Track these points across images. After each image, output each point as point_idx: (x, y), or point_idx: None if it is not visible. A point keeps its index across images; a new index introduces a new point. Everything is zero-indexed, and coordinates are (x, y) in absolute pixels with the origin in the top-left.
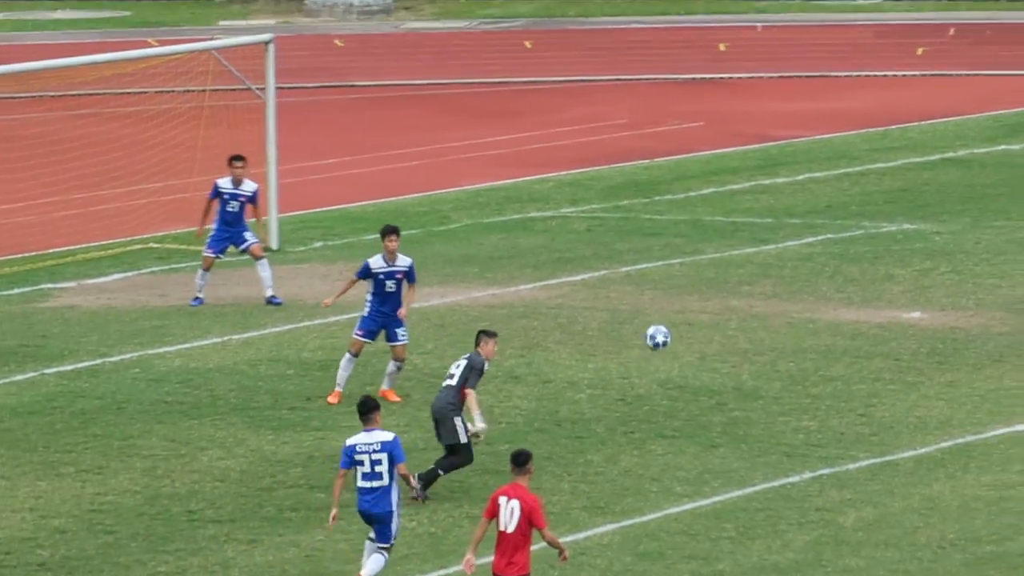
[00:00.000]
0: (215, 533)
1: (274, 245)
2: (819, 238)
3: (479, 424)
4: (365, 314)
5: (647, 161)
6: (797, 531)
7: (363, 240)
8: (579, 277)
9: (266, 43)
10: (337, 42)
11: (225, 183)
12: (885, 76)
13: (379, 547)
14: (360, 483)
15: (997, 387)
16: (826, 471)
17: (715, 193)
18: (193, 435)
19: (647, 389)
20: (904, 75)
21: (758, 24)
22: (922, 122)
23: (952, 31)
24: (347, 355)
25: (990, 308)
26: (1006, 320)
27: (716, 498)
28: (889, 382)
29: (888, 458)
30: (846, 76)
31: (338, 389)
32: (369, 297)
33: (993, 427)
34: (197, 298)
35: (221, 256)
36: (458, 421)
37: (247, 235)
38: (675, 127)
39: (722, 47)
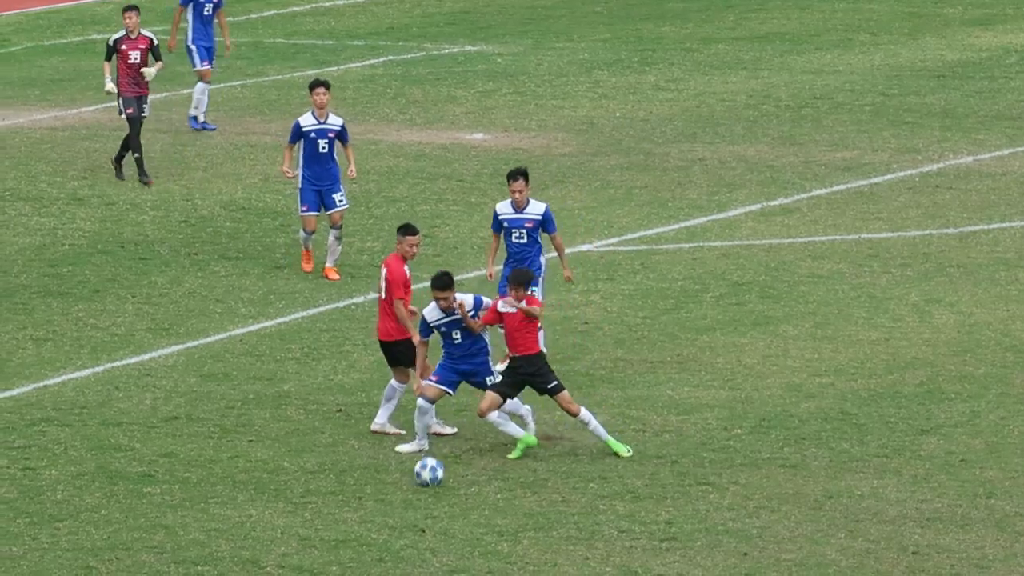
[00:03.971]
0: None
1: None
2: (381, 60)
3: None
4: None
5: None
6: (362, 351)
7: None
8: None
9: None
10: None
11: None
12: None
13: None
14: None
15: (561, 207)
16: None
17: (276, 15)
18: None
19: (210, 211)
20: None
21: None
22: None
23: None
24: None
25: (552, 129)
26: (568, 141)
27: (281, 319)
28: (453, 203)
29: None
30: None
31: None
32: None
33: None
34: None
35: None
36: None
37: None
38: None
39: None
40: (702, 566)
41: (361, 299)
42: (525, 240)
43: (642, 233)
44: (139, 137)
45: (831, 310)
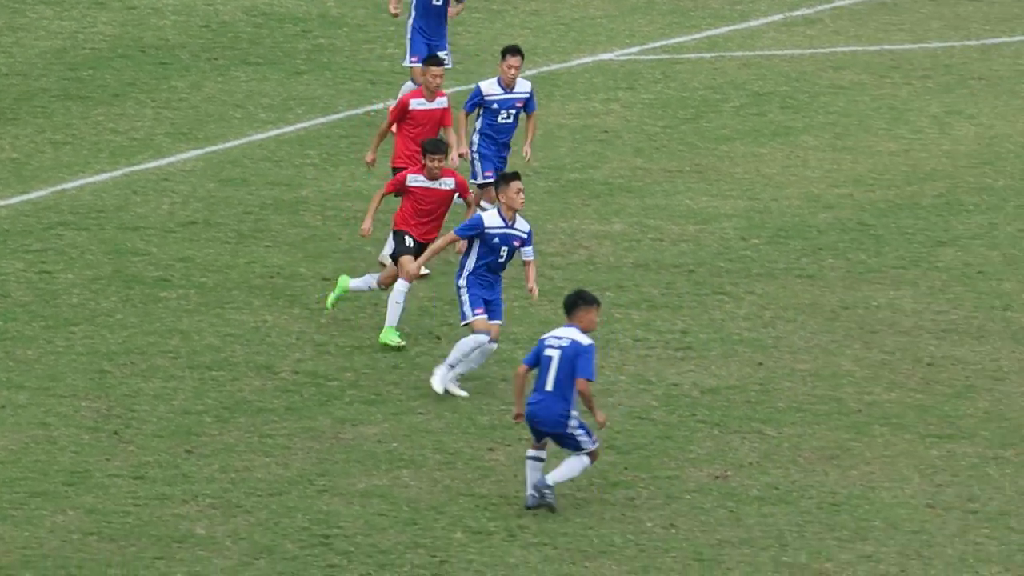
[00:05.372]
0: None
1: None
2: None
3: None
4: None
5: None
6: (381, 157)
7: None
8: None
9: None
10: None
11: None
12: None
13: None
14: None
15: (583, 16)
16: None
17: None
18: None
19: (232, 16)
20: None
21: None
22: None
23: None
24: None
25: None
26: None
27: (300, 125)
28: (474, 10)
29: (472, 86)
30: None
31: None
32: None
33: (578, 56)
34: None
35: None
36: None
37: None
38: None
39: None
40: (717, 375)
41: (380, 105)
42: (512, 120)
43: (663, 42)
44: None
45: (851, 121)
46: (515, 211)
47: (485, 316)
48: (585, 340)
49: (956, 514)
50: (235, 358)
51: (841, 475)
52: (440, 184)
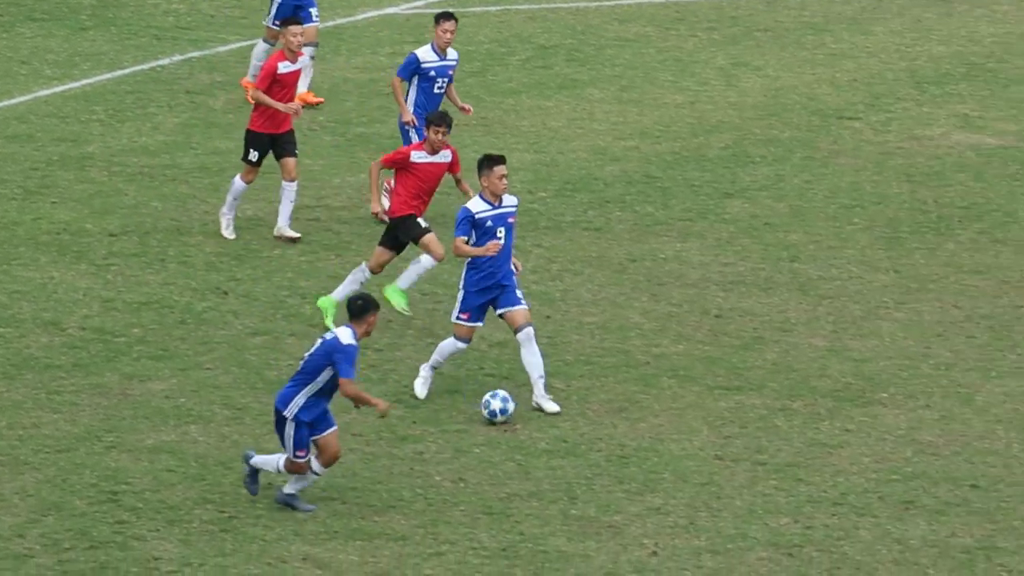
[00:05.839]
0: None
1: None
2: None
3: None
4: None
5: None
6: (167, 113)
7: None
8: None
9: None
10: None
11: None
12: None
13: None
14: None
15: None
16: (196, 54)
17: None
18: None
19: None
20: None
21: None
22: None
23: None
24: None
25: None
26: None
27: (86, 81)
28: None
29: (252, 41)
30: None
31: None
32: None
33: (363, 9)
34: None
35: None
36: None
37: None
38: None
39: None
40: (505, 329)
41: (166, 61)
42: (443, 91)
43: None
44: None
45: (637, 73)
46: (499, 195)
47: (469, 324)
48: (347, 340)
49: (744, 465)
50: (22, 315)
51: (630, 427)
52: (440, 157)
